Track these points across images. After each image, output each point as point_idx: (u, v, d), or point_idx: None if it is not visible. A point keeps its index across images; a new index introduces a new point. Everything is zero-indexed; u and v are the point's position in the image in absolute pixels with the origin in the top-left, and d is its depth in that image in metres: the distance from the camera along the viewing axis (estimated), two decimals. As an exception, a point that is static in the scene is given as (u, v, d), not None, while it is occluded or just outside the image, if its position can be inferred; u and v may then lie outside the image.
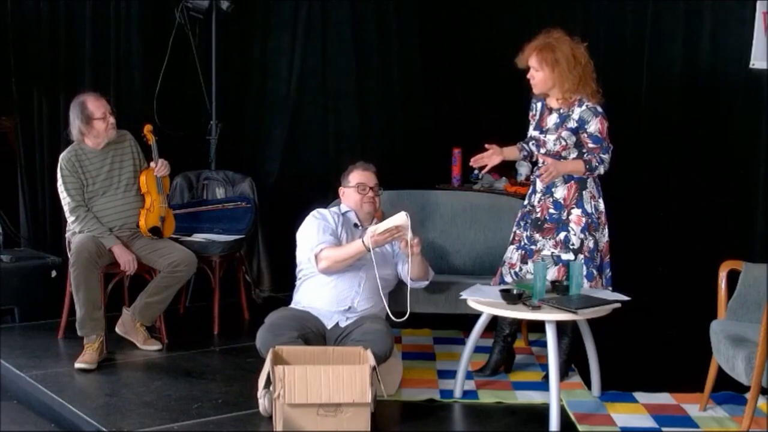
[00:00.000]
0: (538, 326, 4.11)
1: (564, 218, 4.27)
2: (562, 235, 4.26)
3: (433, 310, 4.75)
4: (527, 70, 4.31)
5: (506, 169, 6.01)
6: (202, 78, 5.96)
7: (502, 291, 3.96)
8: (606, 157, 4.25)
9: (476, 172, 6.14)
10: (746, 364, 3.50)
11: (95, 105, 4.74)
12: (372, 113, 6.56)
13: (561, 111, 4.30)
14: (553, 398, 3.82)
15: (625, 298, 4.08)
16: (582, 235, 4.24)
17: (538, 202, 4.35)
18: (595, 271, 4.27)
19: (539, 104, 4.41)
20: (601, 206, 4.32)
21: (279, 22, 6.25)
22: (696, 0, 5.29)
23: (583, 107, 4.24)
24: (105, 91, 5.19)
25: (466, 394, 4.23)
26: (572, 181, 4.27)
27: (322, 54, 6.34)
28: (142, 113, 5.60)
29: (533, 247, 4.32)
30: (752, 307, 3.91)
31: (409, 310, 4.16)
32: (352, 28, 6.41)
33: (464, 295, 4.11)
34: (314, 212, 4.39)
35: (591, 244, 4.26)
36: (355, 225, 4.45)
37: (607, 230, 4.34)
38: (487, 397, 4.22)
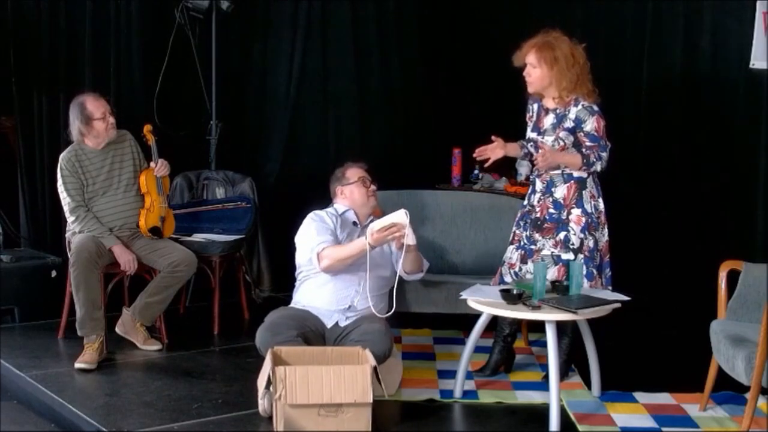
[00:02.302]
0: (538, 326, 4.11)
1: (564, 218, 4.27)
2: (562, 234, 4.26)
3: (433, 310, 4.75)
4: (523, 68, 4.31)
5: (506, 169, 6.01)
6: (202, 78, 5.96)
7: (502, 291, 3.97)
8: (604, 155, 4.24)
9: (476, 172, 6.17)
10: (746, 364, 3.50)
11: (95, 105, 4.74)
12: (372, 113, 6.57)
13: (557, 111, 4.30)
14: (553, 398, 3.82)
15: (625, 298, 4.09)
16: (582, 235, 4.24)
17: (538, 201, 4.35)
18: (594, 271, 4.27)
19: (535, 105, 4.41)
20: (601, 206, 4.32)
21: (279, 22, 6.26)
22: (696, 0, 5.29)
23: (579, 106, 4.24)
24: (105, 91, 5.18)
25: (466, 394, 4.23)
26: (572, 181, 4.27)
27: (322, 54, 6.35)
28: (142, 113, 5.61)
29: (533, 247, 4.32)
30: (752, 307, 3.91)
31: (394, 306, 4.16)
32: (352, 28, 6.42)
33: (464, 295, 4.11)
34: (311, 214, 4.39)
35: (591, 243, 4.26)
36: (354, 223, 4.45)
37: (606, 230, 4.34)
38: (487, 397, 4.22)
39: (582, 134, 4.24)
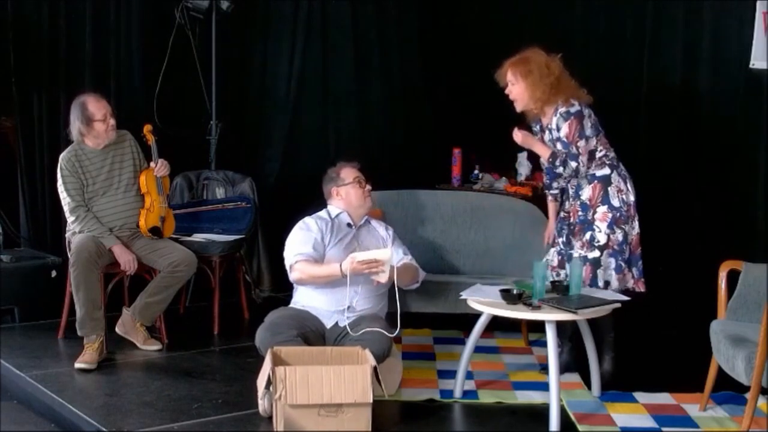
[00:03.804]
0: (539, 326, 4.11)
1: (590, 218, 4.31)
2: (588, 234, 4.30)
3: (433, 310, 4.75)
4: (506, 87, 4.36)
5: (506, 169, 6.01)
6: (202, 78, 5.96)
7: (502, 291, 3.97)
8: (572, 164, 4.26)
9: (476, 172, 6.17)
10: (746, 364, 3.50)
11: (96, 106, 4.73)
12: (372, 113, 6.57)
13: (549, 126, 4.35)
14: (553, 398, 3.82)
15: (625, 298, 4.10)
16: (608, 231, 4.27)
17: (570, 206, 4.41)
18: (623, 264, 4.30)
19: (538, 126, 4.46)
20: (631, 198, 4.34)
21: (279, 22, 6.26)
22: (696, 0, 5.29)
23: (557, 114, 4.29)
24: (105, 91, 5.18)
25: (466, 394, 4.23)
26: (595, 181, 4.32)
27: (322, 54, 6.35)
28: (142, 113, 5.61)
29: (572, 251, 4.38)
30: (752, 307, 3.91)
31: (399, 328, 4.14)
32: (352, 28, 6.42)
33: (464, 295, 4.11)
34: (300, 222, 4.38)
35: (620, 237, 4.28)
36: (349, 225, 4.43)
37: (636, 223, 4.36)
38: (487, 397, 4.22)
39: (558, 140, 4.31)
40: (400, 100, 6.66)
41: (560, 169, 4.29)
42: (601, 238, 4.26)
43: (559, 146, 4.29)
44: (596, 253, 4.26)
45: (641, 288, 4.37)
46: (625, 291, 4.28)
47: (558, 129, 4.28)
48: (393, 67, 6.63)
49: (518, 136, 4.39)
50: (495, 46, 6.41)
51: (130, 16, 5.76)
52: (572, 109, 4.25)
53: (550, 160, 4.31)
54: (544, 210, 5.10)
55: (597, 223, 4.29)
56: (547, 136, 4.38)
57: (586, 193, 4.33)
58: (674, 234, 5.39)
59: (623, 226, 4.30)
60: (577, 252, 4.31)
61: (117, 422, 3.79)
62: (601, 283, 4.26)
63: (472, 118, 6.33)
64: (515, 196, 5.47)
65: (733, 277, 3.99)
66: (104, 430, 3.72)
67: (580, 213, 4.35)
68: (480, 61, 6.48)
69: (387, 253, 4.06)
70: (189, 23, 5.87)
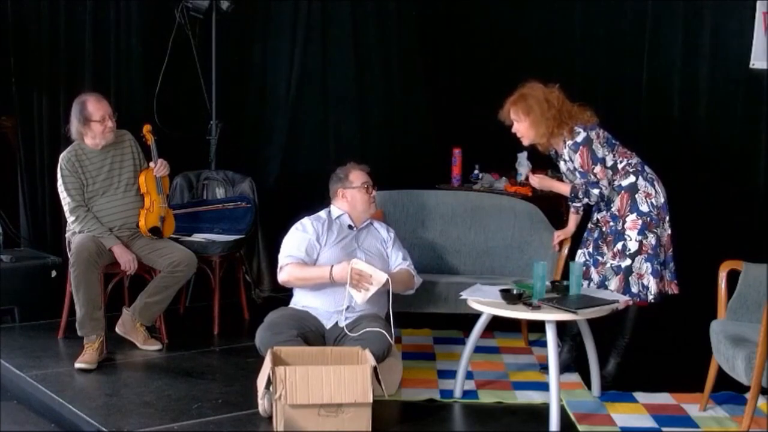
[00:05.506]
0: (539, 326, 4.11)
1: (620, 228, 4.33)
2: (620, 244, 4.33)
3: (433, 310, 4.75)
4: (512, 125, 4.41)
5: (506, 169, 6.01)
6: (202, 78, 5.96)
7: (502, 291, 3.97)
8: (594, 191, 4.32)
9: (476, 172, 6.17)
10: (746, 364, 3.50)
11: (95, 107, 4.72)
12: (372, 113, 6.56)
13: (563, 156, 4.40)
14: (553, 398, 3.82)
15: (626, 298, 4.10)
16: (640, 237, 4.29)
17: (601, 217, 4.44)
18: (660, 267, 4.31)
19: (553, 152, 4.49)
20: (661, 201, 4.36)
21: (279, 22, 6.26)
22: (696, 0, 5.29)
23: (567, 148, 4.34)
24: (105, 91, 5.19)
25: (466, 394, 4.23)
26: (623, 191, 4.34)
27: (322, 54, 6.34)
28: (142, 113, 5.61)
29: (599, 258, 4.40)
30: (752, 307, 3.92)
31: (392, 331, 4.16)
32: (352, 28, 6.41)
33: (464, 295, 4.11)
34: (297, 224, 4.38)
35: (653, 241, 4.30)
36: (350, 227, 4.43)
37: (668, 224, 4.39)
38: (487, 397, 4.22)
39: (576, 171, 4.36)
40: (400, 100, 6.66)
41: (585, 200, 4.38)
42: (632, 246, 4.29)
43: (577, 176, 4.34)
44: (627, 261, 4.29)
45: (674, 290, 4.40)
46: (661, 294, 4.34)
47: (572, 161, 4.34)
48: (393, 67, 6.62)
49: (535, 180, 4.63)
50: (495, 46, 6.46)
51: (130, 16, 5.76)
52: (579, 139, 4.29)
53: (572, 195, 4.39)
54: (545, 210, 5.11)
55: (627, 232, 4.31)
56: (563, 166, 4.44)
57: (616, 204, 4.36)
58: (674, 234, 5.38)
59: (655, 230, 4.31)
60: (609, 262, 4.33)
61: (117, 422, 3.79)
62: (635, 289, 4.28)
63: (472, 118, 6.33)
64: (515, 196, 5.46)
65: (733, 277, 4.00)
66: (104, 430, 3.72)
67: (611, 223, 4.38)
68: (480, 60, 6.53)
69: (383, 278, 4.08)
70: (189, 23, 5.87)
